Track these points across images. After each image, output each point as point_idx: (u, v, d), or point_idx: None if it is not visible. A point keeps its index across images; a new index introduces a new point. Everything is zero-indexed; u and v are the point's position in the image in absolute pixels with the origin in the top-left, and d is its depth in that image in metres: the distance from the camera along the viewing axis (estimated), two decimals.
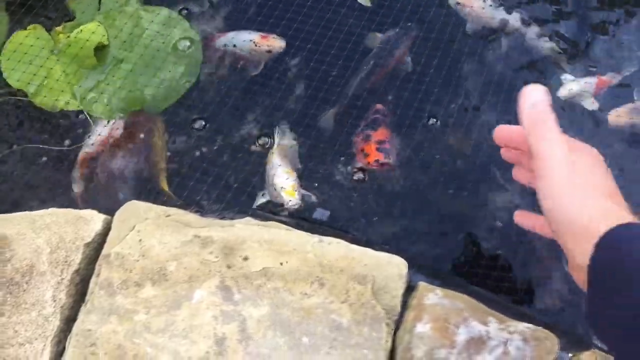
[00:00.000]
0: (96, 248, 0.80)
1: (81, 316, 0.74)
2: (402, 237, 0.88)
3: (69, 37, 1.07)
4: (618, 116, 0.94)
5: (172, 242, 0.78)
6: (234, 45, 1.03)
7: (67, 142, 0.98)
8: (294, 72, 1.02)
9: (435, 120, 0.96)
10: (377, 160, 0.90)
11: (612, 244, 0.52)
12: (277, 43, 1.03)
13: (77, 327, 0.73)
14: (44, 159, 0.97)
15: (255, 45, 1.03)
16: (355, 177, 0.91)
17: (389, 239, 0.86)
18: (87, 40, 1.06)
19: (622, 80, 0.99)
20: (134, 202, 0.84)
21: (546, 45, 1.04)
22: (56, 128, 1.00)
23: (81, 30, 1.07)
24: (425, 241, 0.88)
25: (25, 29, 1.10)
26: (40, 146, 0.98)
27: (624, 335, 0.49)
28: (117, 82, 1.04)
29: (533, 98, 0.60)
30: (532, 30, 1.05)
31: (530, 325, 0.71)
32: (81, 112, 1.01)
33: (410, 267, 0.76)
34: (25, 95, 1.03)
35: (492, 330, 0.71)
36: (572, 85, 0.97)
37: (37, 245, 0.79)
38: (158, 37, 1.08)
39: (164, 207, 0.84)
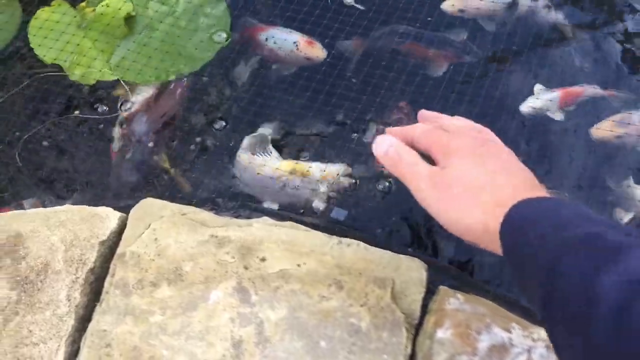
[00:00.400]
0: (111, 246, 0.79)
1: (96, 316, 0.73)
2: (420, 237, 0.86)
3: (94, 10, 1.08)
4: (599, 129, 0.90)
5: (188, 241, 0.77)
6: (275, 43, 1.00)
7: (104, 109, 1.00)
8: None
9: None
10: None
11: (509, 233, 0.53)
12: (319, 53, 0.99)
13: (92, 327, 0.72)
14: (86, 126, 0.99)
15: (297, 49, 0.99)
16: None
17: (407, 240, 0.85)
18: (115, 12, 1.08)
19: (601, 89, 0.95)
20: (149, 200, 0.83)
21: (558, 19, 1.02)
22: (93, 97, 1.02)
23: (107, 4, 1.09)
24: (443, 242, 0.86)
25: (49, 5, 1.12)
26: (81, 115, 1.00)
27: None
28: (148, 49, 1.05)
29: (383, 147, 0.65)
30: (541, 3, 1.03)
31: None
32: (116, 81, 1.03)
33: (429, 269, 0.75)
34: (60, 70, 1.05)
35: (515, 337, 0.69)
36: (533, 102, 0.93)
37: (51, 243, 0.78)
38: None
39: (179, 205, 0.82)
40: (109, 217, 0.81)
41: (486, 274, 0.81)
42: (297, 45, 0.99)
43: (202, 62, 1.03)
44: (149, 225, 0.79)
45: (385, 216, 0.87)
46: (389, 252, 0.76)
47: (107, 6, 1.08)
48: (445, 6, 1.03)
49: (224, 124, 0.96)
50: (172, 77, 1.02)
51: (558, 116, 0.92)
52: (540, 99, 0.93)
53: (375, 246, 0.77)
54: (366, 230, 0.85)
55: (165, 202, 0.83)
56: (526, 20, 1.04)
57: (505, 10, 1.03)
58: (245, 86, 1.00)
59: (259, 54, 1.01)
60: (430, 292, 0.75)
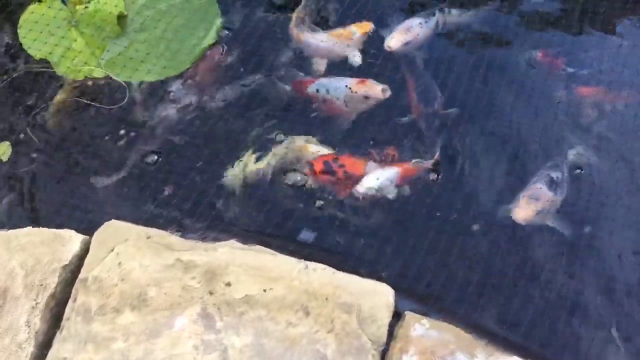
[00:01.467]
0: (73, 270, 0.77)
1: (56, 344, 0.71)
2: (388, 261, 0.86)
3: (86, 7, 1.08)
4: (520, 209, 0.87)
5: (153, 265, 0.76)
6: (327, 92, 0.96)
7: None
8: None
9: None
10: (311, 166, 0.91)
11: None
12: (376, 88, 0.95)
13: (51, 355, 0.70)
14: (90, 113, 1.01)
15: (351, 92, 0.96)
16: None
17: (375, 264, 0.84)
18: (106, 10, 1.08)
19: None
20: (114, 222, 0.81)
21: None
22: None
23: (98, 2, 1.09)
24: (411, 267, 0.86)
25: (40, 1, 1.11)
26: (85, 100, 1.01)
27: None
28: (141, 48, 1.06)
29: None
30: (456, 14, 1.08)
31: (518, 359, 0.70)
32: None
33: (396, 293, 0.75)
34: (49, 65, 1.05)
35: None
36: (377, 175, 0.89)
37: (11, 267, 0.76)
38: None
39: (145, 228, 0.81)
40: (71, 239, 0.79)
41: (454, 299, 0.81)
42: (349, 88, 0.96)
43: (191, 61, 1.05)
44: (113, 249, 0.77)
45: (355, 239, 0.86)
46: (356, 276, 0.76)
47: (98, 3, 1.09)
48: (390, 45, 1.03)
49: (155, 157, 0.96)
50: (163, 76, 1.03)
51: (394, 195, 0.89)
52: (384, 173, 0.90)
53: (343, 270, 0.77)
54: (334, 253, 0.84)
55: (130, 224, 0.81)
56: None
57: (434, 30, 1.05)
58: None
59: (314, 106, 0.97)
60: (397, 316, 0.75)
